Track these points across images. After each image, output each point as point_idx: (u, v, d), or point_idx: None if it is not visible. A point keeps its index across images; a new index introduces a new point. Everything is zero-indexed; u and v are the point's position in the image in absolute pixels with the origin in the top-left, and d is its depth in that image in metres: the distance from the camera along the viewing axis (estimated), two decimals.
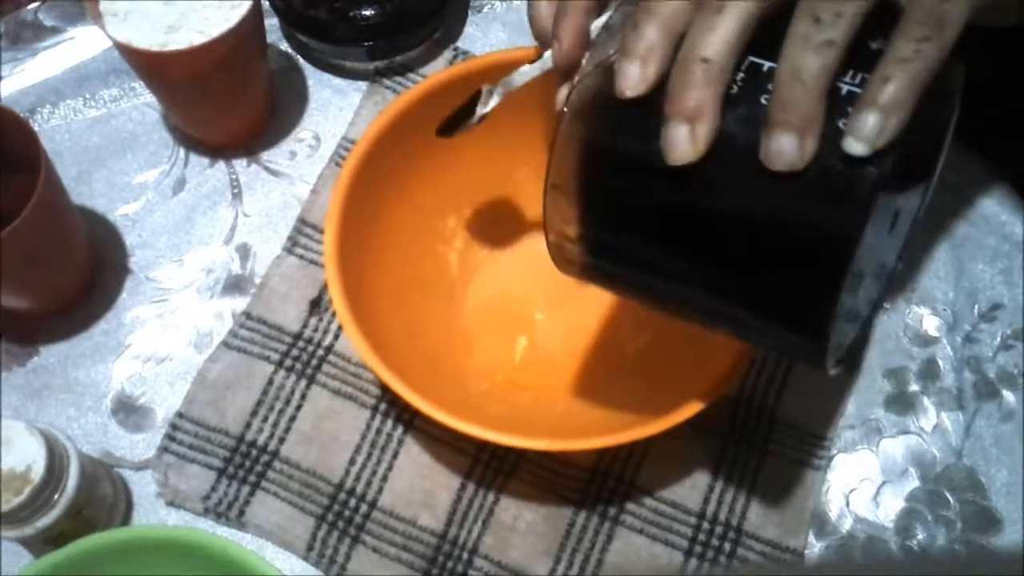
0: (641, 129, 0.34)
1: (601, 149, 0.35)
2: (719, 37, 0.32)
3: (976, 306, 0.55)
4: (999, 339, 0.54)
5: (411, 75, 0.62)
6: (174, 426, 0.52)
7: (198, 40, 0.50)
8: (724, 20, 0.32)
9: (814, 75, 0.31)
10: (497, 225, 0.56)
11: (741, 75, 0.33)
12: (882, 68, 0.31)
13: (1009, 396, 0.53)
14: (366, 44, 0.61)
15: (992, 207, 0.58)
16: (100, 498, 0.47)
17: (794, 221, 0.32)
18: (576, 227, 0.37)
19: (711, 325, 0.39)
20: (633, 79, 0.34)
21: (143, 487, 0.51)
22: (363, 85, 0.62)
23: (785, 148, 0.31)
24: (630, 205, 0.35)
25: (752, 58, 0.33)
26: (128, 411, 0.53)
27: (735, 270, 0.34)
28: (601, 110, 0.35)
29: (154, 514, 0.50)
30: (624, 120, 0.35)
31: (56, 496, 0.44)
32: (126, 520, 0.50)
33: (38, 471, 0.43)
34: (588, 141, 0.35)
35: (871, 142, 0.31)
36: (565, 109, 0.36)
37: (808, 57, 0.31)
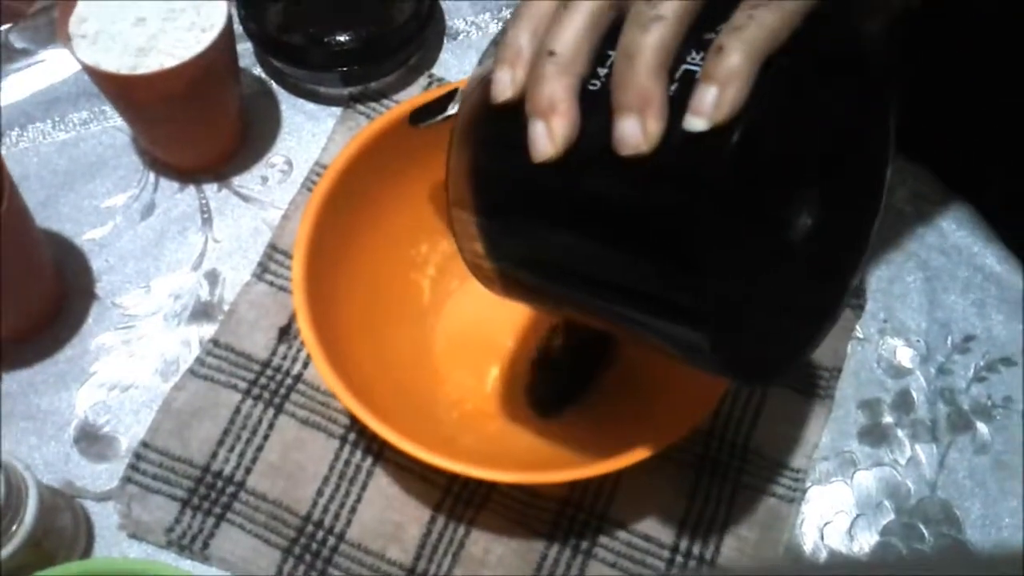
0: (515, 134, 0.34)
1: (484, 159, 0.36)
2: (566, 30, 0.32)
3: (950, 337, 0.55)
4: (972, 371, 0.54)
5: (386, 101, 0.62)
6: (138, 456, 0.51)
7: (168, 63, 0.50)
8: (572, 15, 0.33)
9: (644, 52, 0.31)
10: None
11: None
12: (717, 40, 0.31)
13: (983, 428, 0.53)
14: (341, 70, 0.60)
15: (964, 238, 0.58)
16: (59, 529, 0.46)
17: (647, 209, 0.32)
18: (480, 241, 0.37)
19: (622, 329, 0.39)
20: (503, 84, 0.34)
21: (105, 518, 0.50)
22: (337, 111, 0.61)
23: (627, 131, 0.31)
24: (516, 210, 0.36)
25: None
26: (91, 440, 0.52)
27: (613, 263, 0.34)
28: (482, 122, 0.36)
29: (116, 546, 0.49)
30: (501, 128, 0.35)
31: (13, 527, 0.43)
32: (87, 552, 0.49)
33: None
34: (473, 153, 0.36)
35: (709, 116, 0.30)
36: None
37: (638, 35, 0.31)
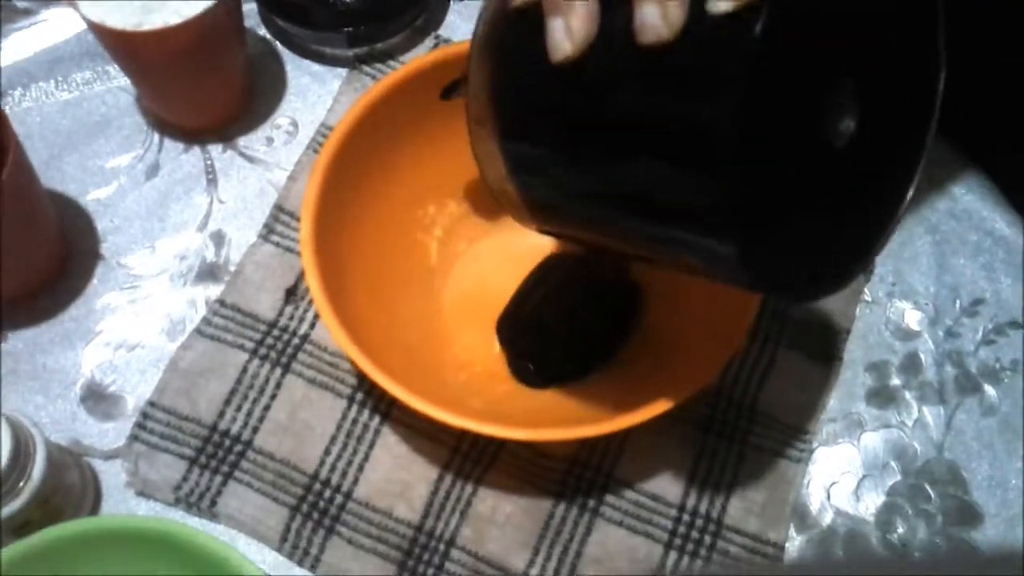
0: (534, 40, 0.33)
1: (504, 69, 0.35)
2: None
3: (958, 301, 0.55)
4: (980, 334, 0.54)
5: (392, 62, 0.61)
6: (145, 415, 0.50)
7: (173, 20, 0.49)
8: None
9: None
10: (478, 213, 0.55)
11: None
12: None
13: (990, 391, 0.53)
14: (346, 30, 0.60)
15: (974, 202, 0.58)
16: (67, 487, 0.46)
17: (670, 102, 0.31)
18: (503, 159, 0.37)
19: (652, 246, 0.37)
20: None
21: (112, 476, 0.50)
22: (343, 72, 0.61)
23: (648, 17, 0.30)
24: (539, 118, 0.35)
25: None
26: (98, 399, 0.51)
27: (638, 165, 0.33)
28: (500, 32, 0.35)
29: (123, 504, 0.49)
30: (519, 35, 0.34)
31: (21, 484, 0.43)
32: (94, 510, 0.49)
33: (2, 458, 0.41)
34: (493, 65, 0.36)
35: None
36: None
37: None
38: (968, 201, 0.58)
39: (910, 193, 0.38)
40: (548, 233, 0.43)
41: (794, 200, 0.35)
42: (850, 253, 0.37)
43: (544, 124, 0.35)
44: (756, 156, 0.31)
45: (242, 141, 0.59)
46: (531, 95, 0.35)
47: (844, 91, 0.35)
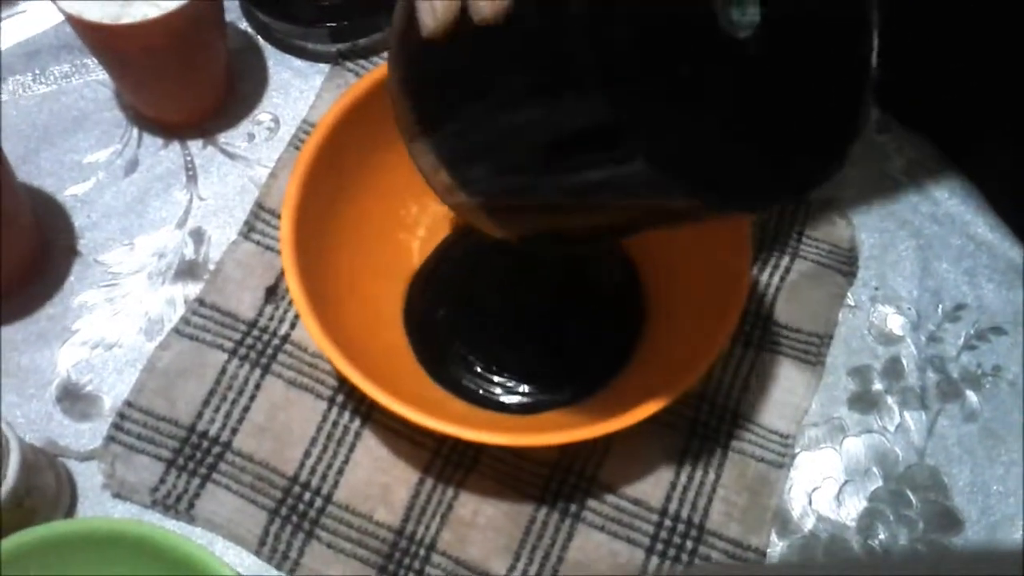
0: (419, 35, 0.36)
1: (406, 68, 0.38)
2: None
3: (940, 305, 0.55)
4: (963, 339, 0.54)
5: (375, 59, 0.61)
6: (122, 415, 0.50)
7: (153, 13, 0.49)
8: None
9: None
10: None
11: None
12: None
13: (972, 396, 0.53)
14: (329, 25, 0.59)
15: (957, 207, 0.58)
16: (42, 489, 0.46)
17: (535, 34, 0.32)
18: (441, 165, 0.38)
19: (600, 200, 0.36)
20: None
21: (88, 478, 0.49)
22: (325, 68, 0.60)
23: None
24: (440, 94, 0.37)
25: None
26: (74, 399, 0.51)
27: (540, 111, 0.33)
28: (397, 40, 0.38)
29: (100, 506, 0.49)
30: (411, 36, 0.36)
31: None
32: (70, 512, 0.48)
33: None
34: (397, 70, 0.38)
35: None
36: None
37: None
38: (951, 206, 0.58)
39: (868, 84, 0.35)
40: (520, 238, 0.42)
41: (705, 99, 0.33)
42: (814, 144, 0.34)
43: (447, 100, 0.37)
44: (626, 63, 0.30)
45: (223, 137, 0.58)
46: (433, 83, 0.37)
47: None
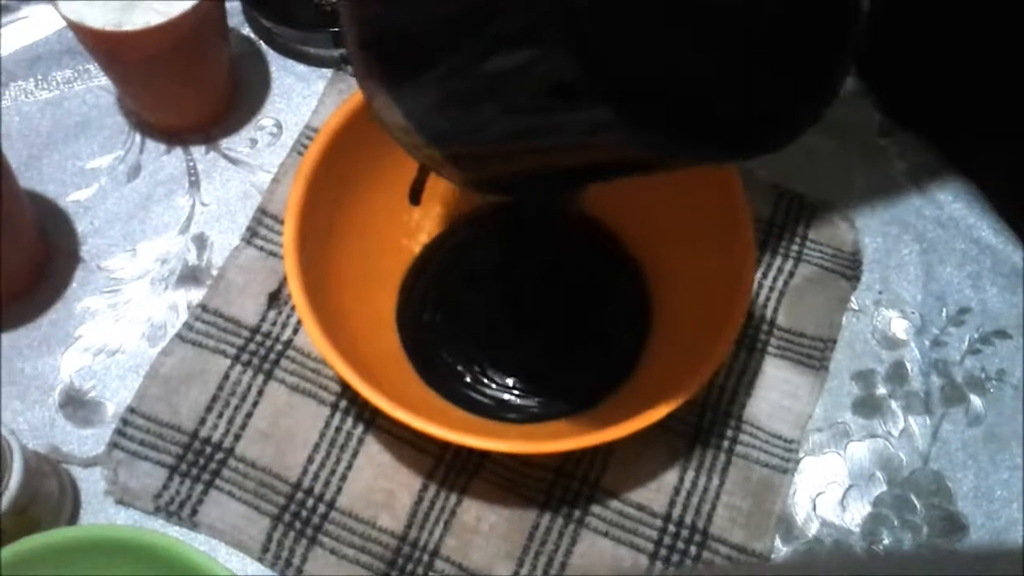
0: None
1: (363, 25, 0.37)
2: None
3: (944, 310, 0.55)
4: (967, 343, 0.54)
5: None
6: (125, 421, 0.50)
7: (155, 20, 0.49)
8: None
9: None
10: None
11: None
12: None
13: (976, 401, 0.53)
14: (331, 30, 0.59)
15: (961, 210, 0.58)
16: (45, 495, 0.45)
17: None
18: (402, 116, 0.37)
19: (567, 142, 0.34)
20: None
21: (91, 484, 0.49)
22: (327, 73, 0.60)
23: None
24: (398, 46, 0.36)
25: None
26: (77, 405, 0.51)
27: (499, 63, 0.31)
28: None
29: (103, 513, 0.48)
30: None
31: None
32: (73, 519, 0.48)
33: None
34: (352, 26, 0.37)
35: None
36: None
37: None
38: (955, 209, 0.58)
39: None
40: (487, 186, 0.41)
41: (663, 34, 0.30)
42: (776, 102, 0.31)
43: (404, 49, 0.36)
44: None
45: (225, 143, 0.58)
46: (389, 33, 0.36)
47: None
